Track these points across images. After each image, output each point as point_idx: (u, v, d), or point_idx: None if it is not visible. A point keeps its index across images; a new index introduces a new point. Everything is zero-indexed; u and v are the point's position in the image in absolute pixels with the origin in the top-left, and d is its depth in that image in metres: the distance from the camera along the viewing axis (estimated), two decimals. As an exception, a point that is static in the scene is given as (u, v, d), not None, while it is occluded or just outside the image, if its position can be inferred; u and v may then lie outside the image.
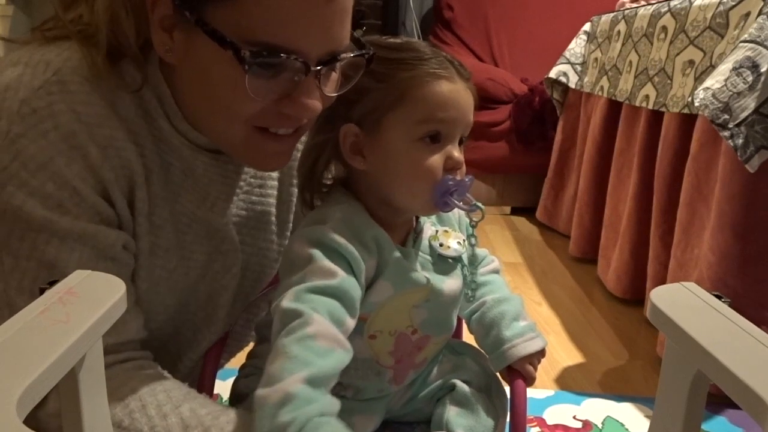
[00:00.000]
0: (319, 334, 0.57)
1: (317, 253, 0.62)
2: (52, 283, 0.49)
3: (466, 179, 0.69)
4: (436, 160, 0.66)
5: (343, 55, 0.66)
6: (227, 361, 0.97)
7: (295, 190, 0.88)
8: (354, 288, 0.63)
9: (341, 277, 0.62)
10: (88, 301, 0.47)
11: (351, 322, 0.62)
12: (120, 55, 0.67)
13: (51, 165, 0.63)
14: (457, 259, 0.74)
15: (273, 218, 0.86)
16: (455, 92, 0.67)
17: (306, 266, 0.62)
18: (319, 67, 0.63)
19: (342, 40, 0.65)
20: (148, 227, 0.71)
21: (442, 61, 0.67)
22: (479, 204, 0.70)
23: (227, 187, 0.78)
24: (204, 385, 0.79)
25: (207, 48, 0.62)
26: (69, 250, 0.65)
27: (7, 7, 2.52)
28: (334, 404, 0.55)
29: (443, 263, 0.73)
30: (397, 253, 0.68)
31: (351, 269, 0.63)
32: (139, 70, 0.68)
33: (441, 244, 0.72)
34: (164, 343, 0.80)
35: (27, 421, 0.34)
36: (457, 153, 0.67)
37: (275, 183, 0.86)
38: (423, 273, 0.70)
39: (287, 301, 0.59)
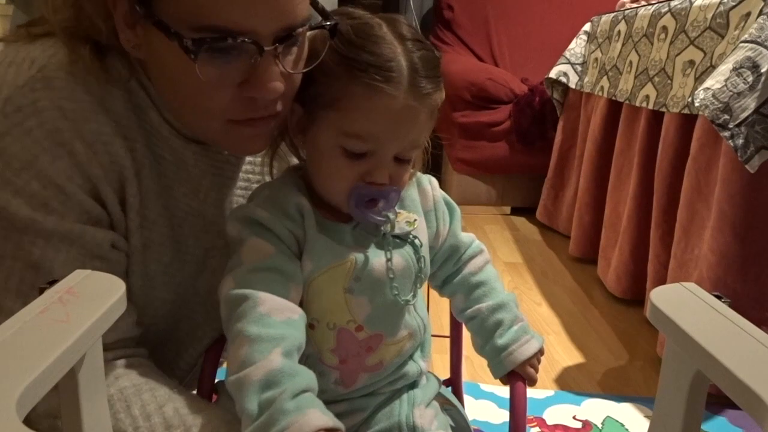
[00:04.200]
0: (272, 309, 0.60)
1: (246, 233, 0.65)
2: (51, 283, 0.49)
3: (389, 192, 0.65)
4: (352, 173, 0.64)
5: (301, 29, 0.63)
6: (226, 360, 0.96)
7: None
8: (289, 258, 0.64)
9: (274, 252, 0.63)
10: (88, 300, 0.47)
11: (295, 292, 0.64)
12: (106, 49, 0.66)
13: (36, 163, 0.62)
14: (406, 239, 0.70)
15: None
16: (393, 111, 0.62)
17: (239, 247, 0.65)
18: (274, 46, 0.61)
19: (296, 13, 0.62)
20: (140, 222, 0.70)
21: (398, 68, 0.61)
22: (390, 217, 0.67)
23: (220, 178, 0.77)
24: (203, 385, 0.79)
25: (162, 41, 0.61)
26: (55, 250, 0.64)
27: (7, 7, 2.52)
28: (312, 375, 0.58)
29: (387, 241, 0.68)
30: (319, 225, 0.66)
31: (281, 241, 0.64)
32: (126, 63, 0.67)
33: (387, 216, 0.68)
34: (163, 339, 0.79)
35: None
36: (378, 173, 0.64)
37: None
38: (349, 246, 0.67)
39: (229, 288, 0.62)
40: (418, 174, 0.74)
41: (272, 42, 0.61)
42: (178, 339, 0.82)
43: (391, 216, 0.68)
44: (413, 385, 0.75)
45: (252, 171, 0.82)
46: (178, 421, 0.63)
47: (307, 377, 0.57)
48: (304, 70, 0.66)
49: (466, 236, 0.79)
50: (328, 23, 0.63)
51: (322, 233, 0.66)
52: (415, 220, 0.71)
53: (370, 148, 0.63)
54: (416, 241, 0.70)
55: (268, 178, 0.84)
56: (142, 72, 0.68)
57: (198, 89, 0.62)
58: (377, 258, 0.67)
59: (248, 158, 0.81)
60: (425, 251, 0.71)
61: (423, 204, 0.74)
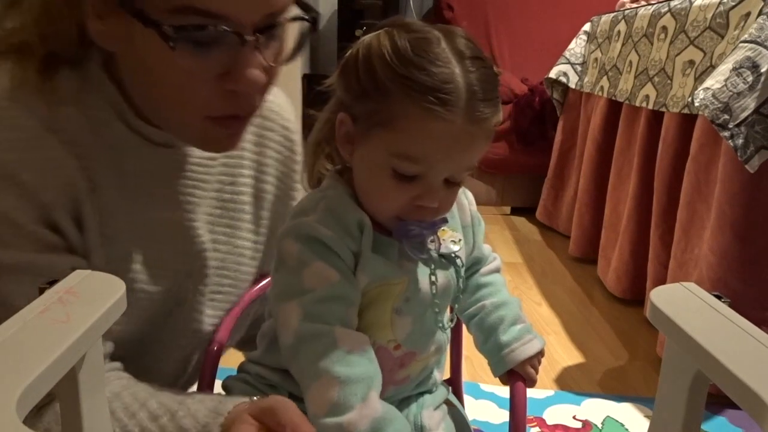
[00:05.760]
0: (351, 345, 0.60)
1: (309, 254, 0.62)
2: (51, 283, 0.49)
3: (431, 226, 0.65)
4: (401, 195, 0.62)
5: (282, 18, 0.61)
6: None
7: (269, 187, 0.85)
8: (351, 282, 0.63)
9: (338, 278, 0.62)
10: (88, 300, 0.47)
11: (356, 314, 0.63)
12: (56, 64, 0.64)
13: None
14: (451, 259, 0.69)
15: (247, 216, 0.84)
16: (448, 136, 0.59)
17: (301, 269, 0.62)
18: (255, 36, 0.60)
19: (277, 0, 0.60)
20: (101, 241, 0.68)
21: (456, 92, 0.58)
22: (432, 255, 0.67)
23: (192, 182, 0.75)
24: (203, 385, 0.79)
25: (139, 31, 0.59)
26: (16, 282, 0.62)
27: None
28: (401, 416, 0.61)
29: (433, 260, 0.68)
30: (375, 241, 0.64)
31: (343, 261, 0.63)
32: (79, 75, 0.65)
33: (432, 240, 0.67)
34: (146, 347, 0.78)
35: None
36: (428, 197, 0.62)
37: (248, 180, 0.83)
38: (402, 264, 0.65)
39: (297, 318, 0.61)
40: None
41: (253, 32, 0.60)
42: (160, 346, 0.80)
43: (433, 247, 0.67)
44: (425, 391, 0.75)
45: (225, 173, 0.80)
46: (163, 411, 0.63)
47: (402, 420, 0.61)
48: (285, 64, 0.64)
49: (486, 248, 0.79)
50: (307, 15, 0.62)
51: (375, 249, 0.65)
52: (460, 239, 0.70)
53: (421, 171, 0.61)
54: (458, 261, 0.69)
55: (242, 179, 0.81)
56: (105, 78, 0.66)
57: (177, 81, 0.61)
58: (424, 278, 0.66)
59: (221, 160, 0.79)
60: (464, 270, 0.71)
61: (462, 219, 0.74)
